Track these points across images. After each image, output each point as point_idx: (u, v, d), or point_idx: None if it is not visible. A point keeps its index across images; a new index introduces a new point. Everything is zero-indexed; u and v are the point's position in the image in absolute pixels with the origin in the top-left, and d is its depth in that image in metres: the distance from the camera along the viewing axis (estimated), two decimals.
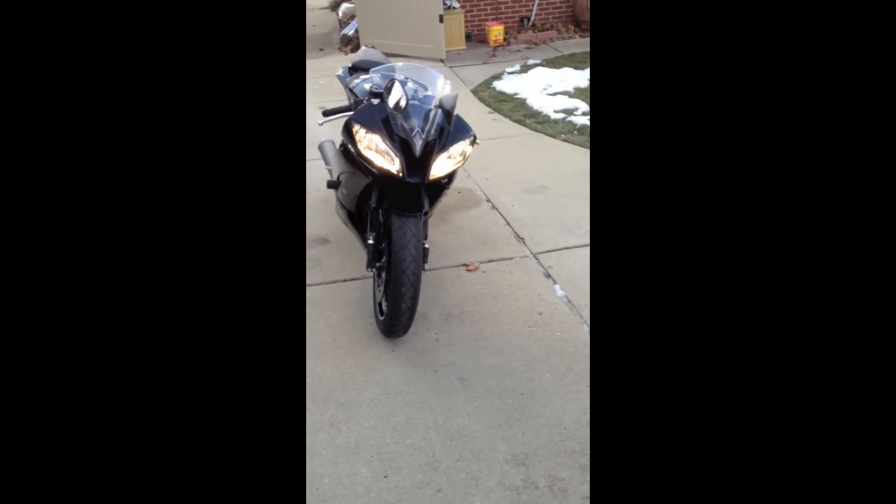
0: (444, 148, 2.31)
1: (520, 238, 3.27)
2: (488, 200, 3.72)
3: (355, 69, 3.11)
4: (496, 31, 7.68)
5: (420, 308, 2.69)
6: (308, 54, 8.01)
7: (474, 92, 5.91)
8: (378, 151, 2.25)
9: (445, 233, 3.37)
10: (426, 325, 2.61)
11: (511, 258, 3.09)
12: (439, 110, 2.33)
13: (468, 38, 7.79)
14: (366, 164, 2.29)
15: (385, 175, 2.27)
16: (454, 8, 7.50)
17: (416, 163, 2.26)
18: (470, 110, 5.38)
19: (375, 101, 2.36)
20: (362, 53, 3.39)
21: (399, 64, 2.80)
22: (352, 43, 7.88)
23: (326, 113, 2.52)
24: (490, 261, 3.08)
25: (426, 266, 2.48)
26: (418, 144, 2.23)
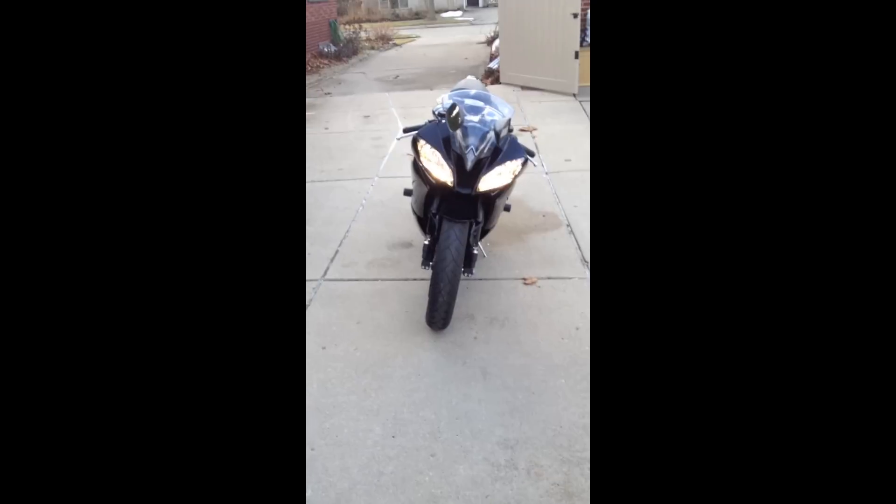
0: (494, 165, 2.61)
1: (585, 262, 3.44)
2: (568, 225, 3.92)
3: None
4: None
5: (469, 310, 2.99)
6: (453, 85, 8.63)
7: None
8: (436, 163, 2.61)
9: (517, 249, 3.63)
10: (470, 325, 2.89)
11: (570, 278, 3.28)
12: (495, 132, 2.64)
13: None
14: (426, 174, 2.66)
15: (440, 185, 2.62)
16: None
17: (468, 176, 2.58)
18: (582, 143, 5.57)
19: (442, 121, 2.73)
20: (462, 83, 3.78)
21: (482, 92, 3.12)
22: (493, 76, 8.38)
23: (406, 130, 2.93)
24: (549, 278, 3.29)
25: (474, 272, 2.79)
26: (470, 159, 2.56)
